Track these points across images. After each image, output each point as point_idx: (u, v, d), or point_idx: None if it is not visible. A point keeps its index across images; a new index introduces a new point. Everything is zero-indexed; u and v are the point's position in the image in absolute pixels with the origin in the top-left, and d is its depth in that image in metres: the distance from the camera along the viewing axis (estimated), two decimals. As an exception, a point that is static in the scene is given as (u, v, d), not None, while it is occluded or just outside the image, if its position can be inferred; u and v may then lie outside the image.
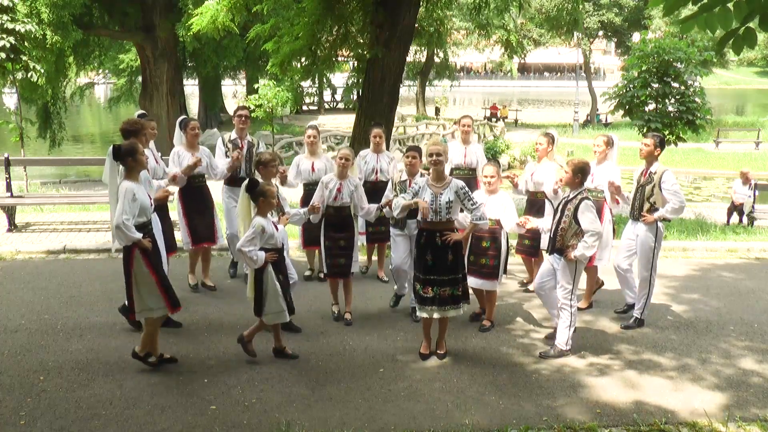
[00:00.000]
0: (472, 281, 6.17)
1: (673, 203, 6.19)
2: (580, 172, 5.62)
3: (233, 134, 7.50)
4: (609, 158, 6.85)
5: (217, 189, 7.65)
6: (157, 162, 6.60)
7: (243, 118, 7.43)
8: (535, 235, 6.81)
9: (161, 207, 6.30)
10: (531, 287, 7.39)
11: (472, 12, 27.78)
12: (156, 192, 5.95)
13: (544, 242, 7.19)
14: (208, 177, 7.25)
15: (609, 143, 6.88)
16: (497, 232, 6.20)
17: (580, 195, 5.60)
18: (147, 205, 5.24)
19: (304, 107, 40.36)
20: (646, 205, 6.32)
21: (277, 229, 5.43)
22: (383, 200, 6.53)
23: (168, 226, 6.48)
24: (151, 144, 6.62)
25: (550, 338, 6.01)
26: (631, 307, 6.70)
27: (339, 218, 6.42)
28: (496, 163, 6.59)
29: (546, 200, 7.11)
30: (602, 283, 7.29)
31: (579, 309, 6.43)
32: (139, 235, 5.04)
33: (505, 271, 6.39)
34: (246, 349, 5.56)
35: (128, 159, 5.16)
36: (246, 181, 5.40)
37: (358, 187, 6.50)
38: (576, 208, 5.54)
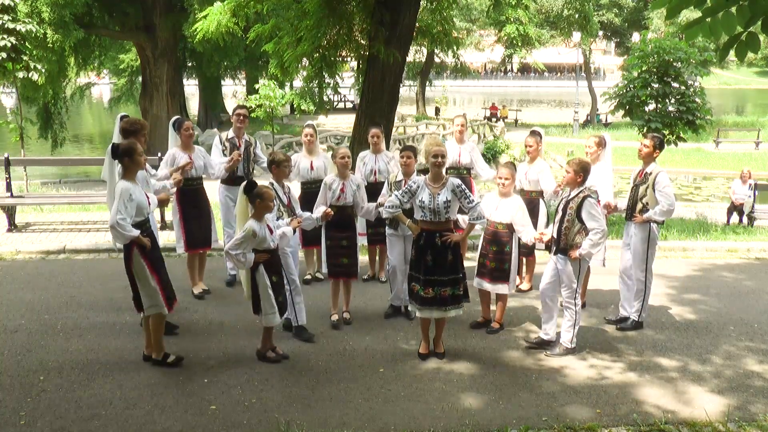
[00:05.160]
0: (485, 285, 6.24)
1: (662, 205, 6.10)
2: (582, 171, 5.64)
3: (230, 133, 7.45)
4: (602, 159, 6.80)
5: (212, 188, 7.62)
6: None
7: (241, 117, 7.37)
8: None
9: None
10: (523, 287, 7.53)
11: (488, 10, 27.64)
12: (158, 194, 5.84)
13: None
14: (206, 178, 7.18)
15: (601, 144, 6.83)
16: (508, 235, 6.16)
17: (583, 193, 5.60)
18: (144, 204, 5.23)
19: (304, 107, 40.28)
20: (639, 205, 6.27)
21: (272, 232, 5.37)
22: (379, 199, 6.51)
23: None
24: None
25: (539, 345, 5.94)
26: (624, 320, 6.55)
27: (341, 218, 6.36)
28: (512, 166, 6.40)
29: (541, 200, 7.18)
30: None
31: None
32: (136, 233, 5.05)
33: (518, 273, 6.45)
34: (268, 359, 5.55)
35: (125, 159, 5.16)
36: (244, 183, 5.36)
37: (360, 187, 6.50)
38: (579, 207, 5.56)
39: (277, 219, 5.70)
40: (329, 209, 6.09)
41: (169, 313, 5.47)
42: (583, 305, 6.97)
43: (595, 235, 5.50)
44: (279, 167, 5.91)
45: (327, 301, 6.79)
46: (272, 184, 5.84)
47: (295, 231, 5.84)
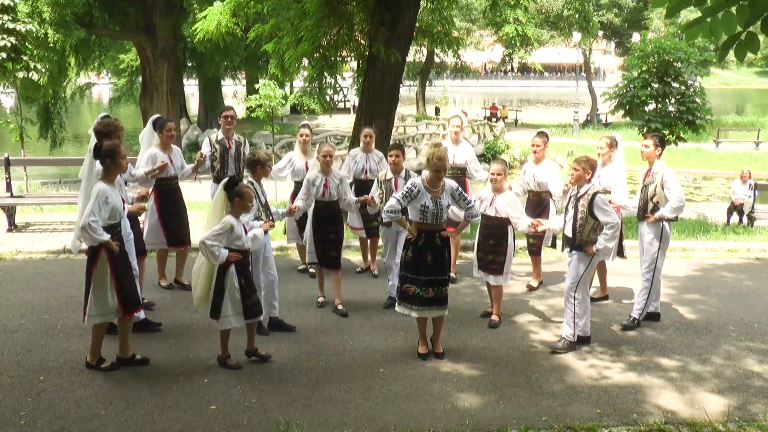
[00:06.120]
0: (482, 275, 6.47)
1: (672, 202, 6.22)
2: (591, 168, 5.76)
3: (220, 134, 7.55)
4: (613, 159, 6.90)
5: (186, 188, 7.63)
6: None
7: (229, 119, 7.51)
8: (540, 234, 6.92)
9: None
10: (534, 283, 7.60)
11: (486, 10, 27.58)
12: (131, 205, 5.79)
13: (548, 241, 7.37)
14: (181, 178, 7.23)
15: (612, 144, 6.92)
16: (503, 229, 6.34)
17: (592, 190, 5.71)
18: (119, 208, 5.15)
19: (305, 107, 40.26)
20: (650, 205, 6.37)
21: (246, 232, 5.30)
22: (370, 194, 6.78)
23: (136, 230, 6.36)
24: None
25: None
26: (655, 315, 6.63)
27: (328, 212, 6.63)
28: (503, 162, 6.56)
29: (550, 200, 7.25)
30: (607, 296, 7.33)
31: (593, 299, 6.67)
32: (106, 237, 4.95)
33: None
34: (228, 366, 5.42)
35: (107, 160, 5.07)
36: (226, 179, 5.31)
37: (343, 181, 6.71)
38: (590, 203, 5.65)
39: (255, 219, 5.67)
40: (294, 206, 6.42)
41: (123, 318, 5.26)
42: (606, 297, 7.23)
43: (610, 230, 5.63)
44: (263, 167, 5.94)
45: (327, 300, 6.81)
46: (252, 184, 5.82)
47: (266, 232, 5.72)
